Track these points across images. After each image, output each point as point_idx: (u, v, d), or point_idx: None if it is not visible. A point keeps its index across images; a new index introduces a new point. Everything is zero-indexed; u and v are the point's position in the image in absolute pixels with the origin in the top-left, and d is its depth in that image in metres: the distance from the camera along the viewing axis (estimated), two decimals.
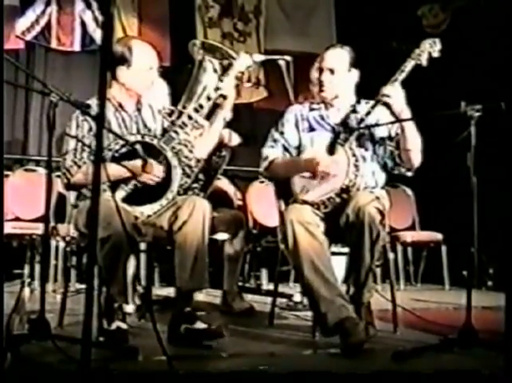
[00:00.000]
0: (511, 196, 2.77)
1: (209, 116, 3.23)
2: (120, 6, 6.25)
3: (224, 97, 3.20)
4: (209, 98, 3.17)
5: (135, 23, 6.32)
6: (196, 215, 2.89)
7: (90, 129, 3.02)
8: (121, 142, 2.98)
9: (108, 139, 2.97)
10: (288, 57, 3.70)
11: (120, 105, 3.15)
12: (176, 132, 3.09)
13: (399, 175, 3.21)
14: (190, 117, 3.13)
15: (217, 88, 3.18)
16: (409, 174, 3.20)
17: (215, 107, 3.22)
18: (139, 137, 3.06)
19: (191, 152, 3.11)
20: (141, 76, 3.13)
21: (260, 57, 3.60)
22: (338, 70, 3.19)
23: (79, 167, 2.99)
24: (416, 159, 3.12)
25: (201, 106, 3.15)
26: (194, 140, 3.15)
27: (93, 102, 2.84)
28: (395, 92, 3.02)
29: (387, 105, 3.07)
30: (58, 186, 4.42)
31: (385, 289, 3.40)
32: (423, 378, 2.34)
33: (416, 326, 3.29)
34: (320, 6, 6.95)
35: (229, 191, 5.28)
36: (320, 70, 3.22)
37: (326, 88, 3.21)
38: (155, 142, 3.04)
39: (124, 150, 3.00)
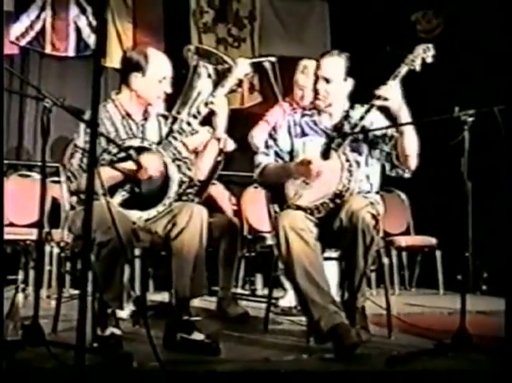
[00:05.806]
0: (509, 200, 2.77)
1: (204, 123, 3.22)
2: (115, 12, 6.24)
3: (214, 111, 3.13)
4: (206, 104, 3.13)
5: (130, 28, 6.31)
6: (194, 222, 2.88)
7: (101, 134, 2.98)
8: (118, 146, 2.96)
9: (107, 143, 2.97)
10: (272, 58, 3.68)
11: (128, 114, 3.13)
12: (175, 137, 3.07)
13: (394, 178, 3.21)
14: (189, 124, 3.10)
15: (212, 97, 3.14)
16: (407, 175, 3.19)
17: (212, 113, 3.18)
18: (138, 142, 3.04)
19: (189, 169, 3.10)
20: (154, 86, 3.09)
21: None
22: (334, 80, 3.17)
23: (84, 171, 2.93)
24: (413, 162, 3.12)
25: (199, 112, 3.12)
26: (195, 159, 3.12)
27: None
28: (390, 92, 3.01)
29: (383, 109, 3.06)
30: (52, 191, 4.43)
31: (380, 294, 3.40)
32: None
33: (411, 331, 3.28)
34: (315, 12, 6.95)
35: (224, 196, 5.28)
36: (316, 78, 3.21)
37: (321, 97, 3.19)
38: (153, 147, 3.03)
39: (122, 155, 2.98)
